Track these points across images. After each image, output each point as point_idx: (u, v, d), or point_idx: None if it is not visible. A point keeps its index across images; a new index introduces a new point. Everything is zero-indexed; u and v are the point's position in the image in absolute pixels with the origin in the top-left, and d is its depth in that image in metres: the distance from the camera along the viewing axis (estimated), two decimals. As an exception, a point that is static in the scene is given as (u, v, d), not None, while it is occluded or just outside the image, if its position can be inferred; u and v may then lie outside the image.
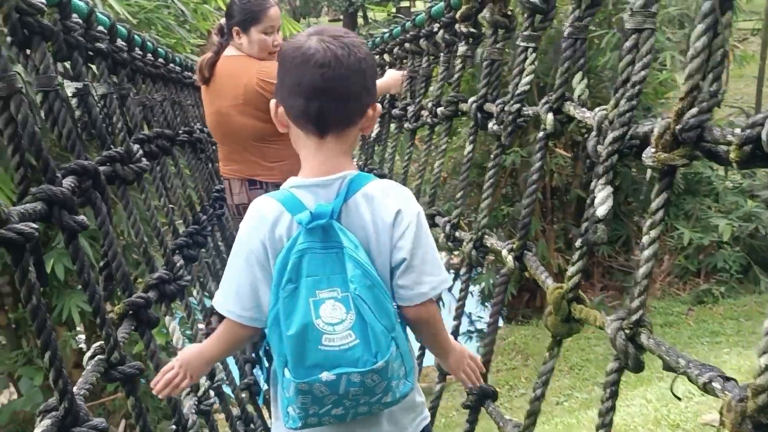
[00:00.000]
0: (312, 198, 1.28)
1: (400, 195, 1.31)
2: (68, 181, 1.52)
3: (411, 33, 3.14)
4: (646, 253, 1.12)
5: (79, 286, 3.68)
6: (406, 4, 25.77)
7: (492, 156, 1.98)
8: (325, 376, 1.22)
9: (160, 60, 3.06)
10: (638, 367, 1.16)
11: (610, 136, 1.26)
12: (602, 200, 1.31)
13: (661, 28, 7.33)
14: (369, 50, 1.32)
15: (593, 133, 1.34)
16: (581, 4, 1.50)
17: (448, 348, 1.48)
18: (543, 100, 1.64)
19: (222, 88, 2.82)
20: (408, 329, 1.41)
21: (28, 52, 1.51)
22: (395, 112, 3.31)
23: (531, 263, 1.73)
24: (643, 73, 1.19)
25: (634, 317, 1.15)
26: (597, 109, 1.36)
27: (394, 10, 22.98)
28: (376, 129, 3.97)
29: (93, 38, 1.94)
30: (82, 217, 1.38)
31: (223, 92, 2.82)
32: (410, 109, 3.08)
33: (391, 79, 3.29)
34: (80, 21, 1.80)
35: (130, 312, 1.71)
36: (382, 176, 3.76)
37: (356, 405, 1.26)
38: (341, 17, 27.90)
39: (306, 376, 1.22)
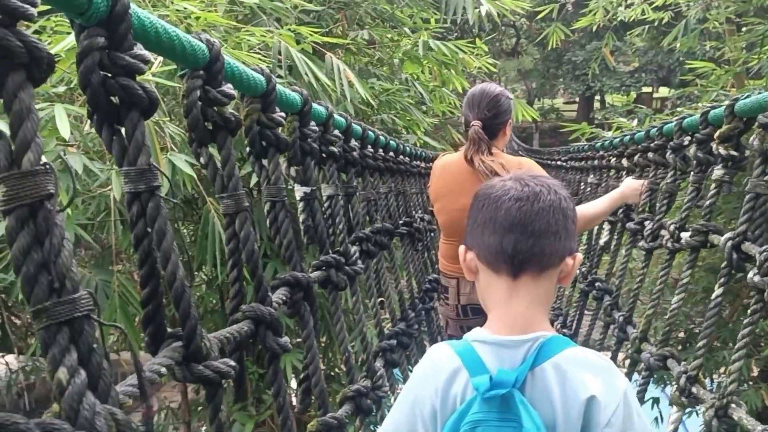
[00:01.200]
0: (495, 359, 1.13)
1: (599, 371, 1.10)
2: (280, 293, 1.51)
3: (657, 142, 2.86)
4: None
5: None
6: (648, 89, 24.76)
7: (749, 312, 1.65)
8: None
9: (391, 153, 3.10)
10: None
11: None
12: None
13: None
14: (569, 194, 1.21)
15: None
16: None
17: None
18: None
19: (471, 185, 2.61)
20: None
21: (263, 161, 1.56)
22: (630, 225, 3.00)
23: (795, 464, 1.38)
24: None
25: None
26: None
27: (634, 95, 22.18)
28: (605, 236, 3.67)
29: (328, 142, 1.97)
30: (285, 339, 1.35)
31: (473, 189, 2.64)
32: (648, 225, 2.77)
33: (628, 188, 3.00)
34: (316, 128, 1.82)
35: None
36: (607, 291, 3.45)
37: None
38: (576, 100, 27.50)
39: None
